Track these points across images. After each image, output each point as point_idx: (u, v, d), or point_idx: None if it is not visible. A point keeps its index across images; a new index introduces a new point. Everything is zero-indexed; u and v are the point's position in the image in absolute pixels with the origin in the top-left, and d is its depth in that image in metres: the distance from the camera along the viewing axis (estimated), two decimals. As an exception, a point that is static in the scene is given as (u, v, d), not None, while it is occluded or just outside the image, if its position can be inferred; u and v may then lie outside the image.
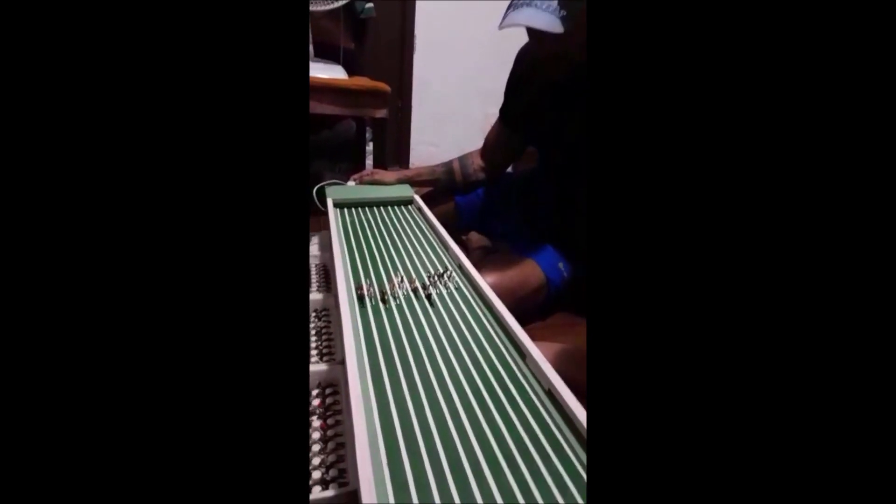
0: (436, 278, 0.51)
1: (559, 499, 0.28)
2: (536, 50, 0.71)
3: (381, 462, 0.29)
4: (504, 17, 0.66)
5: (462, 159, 0.96)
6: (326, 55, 1.27)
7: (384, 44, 1.61)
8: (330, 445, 0.43)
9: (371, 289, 0.49)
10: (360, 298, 0.47)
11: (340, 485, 0.38)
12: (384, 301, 0.47)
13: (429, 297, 0.48)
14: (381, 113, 1.13)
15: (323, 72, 1.12)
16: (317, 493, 0.37)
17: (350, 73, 1.22)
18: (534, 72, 0.81)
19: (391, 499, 0.27)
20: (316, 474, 0.39)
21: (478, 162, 0.96)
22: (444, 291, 0.50)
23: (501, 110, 0.94)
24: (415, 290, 0.49)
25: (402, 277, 0.52)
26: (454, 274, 0.53)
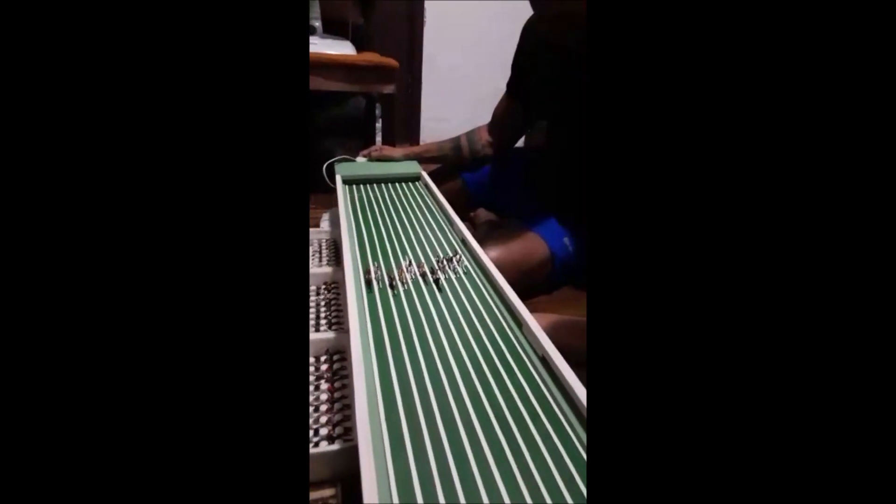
0: (444, 262, 0.51)
1: (546, 457, 0.29)
2: (540, 10, 0.68)
3: (379, 421, 0.31)
4: None
5: (470, 135, 0.96)
6: (335, 31, 1.25)
7: (393, 19, 1.58)
8: (337, 406, 0.46)
9: (379, 272, 0.49)
10: (368, 283, 0.47)
11: (345, 441, 0.40)
12: (392, 287, 0.47)
13: (437, 281, 0.48)
14: (390, 89, 1.12)
15: (331, 48, 1.11)
16: (324, 447, 0.39)
17: (359, 48, 1.21)
18: (539, 37, 0.79)
19: (388, 455, 0.28)
20: (324, 431, 0.42)
21: (485, 137, 0.95)
22: (453, 276, 0.49)
23: (508, 84, 0.93)
24: (423, 275, 0.49)
25: (409, 261, 0.52)
26: (463, 258, 0.52)
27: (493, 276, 0.48)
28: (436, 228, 0.62)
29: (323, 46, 1.11)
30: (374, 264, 0.51)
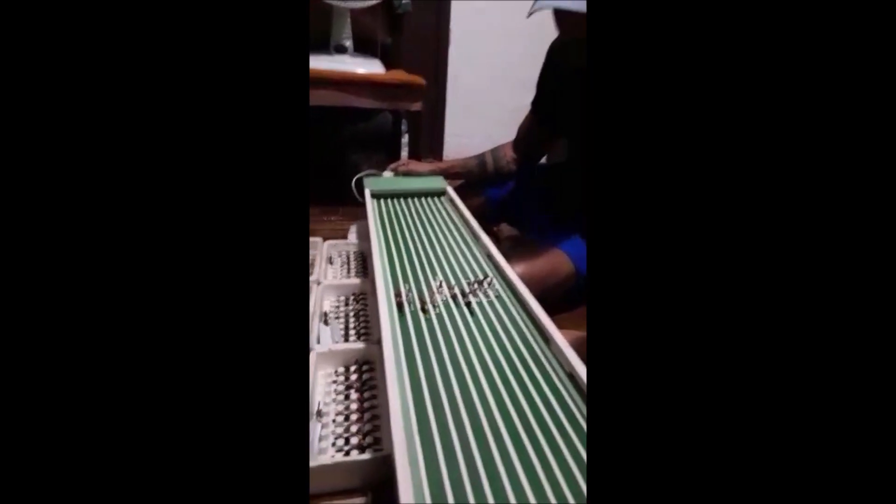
0: (476, 286, 0.50)
1: (570, 461, 0.29)
2: (562, 33, 0.71)
3: (411, 430, 0.31)
4: (533, 4, 0.67)
5: (494, 151, 0.97)
6: (365, 50, 1.29)
7: (420, 38, 1.62)
8: (367, 416, 0.47)
9: (410, 294, 0.48)
10: (399, 306, 0.46)
11: (375, 450, 0.41)
12: (424, 311, 0.46)
13: (468, 304, 0.47)
14: (417, 106, 1.15)
15: (361, 66, 1.15)
16: (355, 455, 0.40)
17: (387, 66, 1.25)
18: (560, 58, 0.80)
19: (420, 461, 0.29)
20: (354, 440, 0.43)
21: (510, 154, 0.96)
22: (484, 299, 0.48)
23: (533, 102, 0.94)
24: (454, 297, 0.48)
25: (440, 282, 0.51)
26: (494, 281, 0.52)
27: (522, 295, 0.47)
28: (463, 246, 0.62)
29: (353, 65, 1.15)
30: (405, 286, 0.50)
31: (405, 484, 0.26)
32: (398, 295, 0.48)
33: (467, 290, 0.49)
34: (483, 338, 0.42)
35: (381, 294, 0.47)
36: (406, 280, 0.52)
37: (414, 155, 1.27)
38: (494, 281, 0.51)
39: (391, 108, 1.18)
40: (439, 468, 0.29)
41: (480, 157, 0.98)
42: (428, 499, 0.27)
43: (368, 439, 0.42)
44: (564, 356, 0.37)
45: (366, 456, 0.40)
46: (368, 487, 0.39)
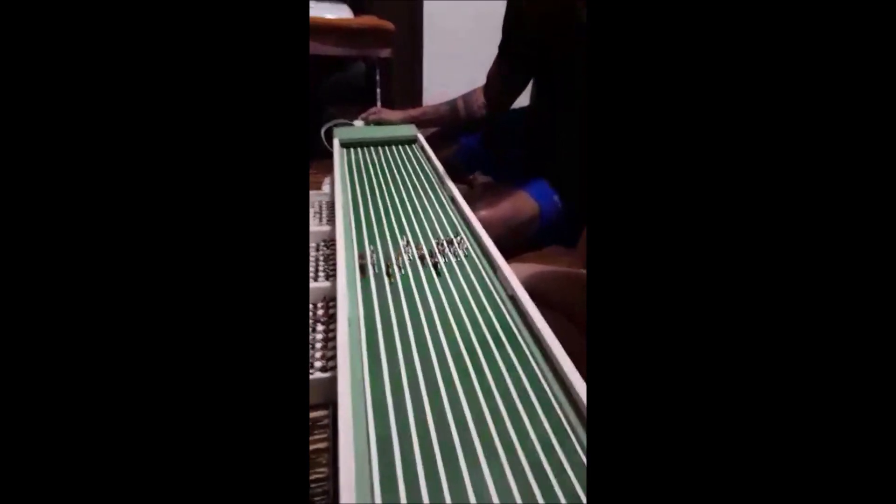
0: (445, 245, 0.47)
1: (532, 434, 0.27)
2: None
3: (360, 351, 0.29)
4: None
5: (466, 97, 0.95)
6: (333, -5, 1.24)
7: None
8: (330, 345, 0.50)
9: (374, 256, 0.45)
10: (363, 268, 0.43)
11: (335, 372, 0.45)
12: (389, 275, 0.43)
13: (435, 265, 0.44)
14: (386, 52, 1.11)
15: (328, 12, 1.11)
16: (318, 375, 0.44)
17: (357, 13, 1.20)
18: (531, 2, 0.78)
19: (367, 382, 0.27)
20: (318, 364, 0.47)
21: (481, 99, 0.94)
22: (454, 260, 0.45)
23: (500, 46, 0.90)
24: (421, 258, 0.45)
25: (407, 241, 0.48)
26: (465, 240, 0.48)
27: (492, 255, 0.44)
28: (434, 200, 0.59)
29: (320, 10, 1.11)
30: (370, 247, 0.47)
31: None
32: (362, 256, 0.45)
33: (436, 249, 0.46)
34: (450, 301, 0.39)
35: (341, 257, 0.43)
36: (372, 240, 0.49)
37: (389, 104, 1.25)
38: (465, 240, 0.48)
39: (359, 54, 1.14)
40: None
41: (452, 103, 0.96)
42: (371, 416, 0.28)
43: (331, 363, 0.46)
44: (532, 320, 0.35)
45: (326, 375, 0.44)
46: (329, 402, 0.44)
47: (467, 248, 0.47)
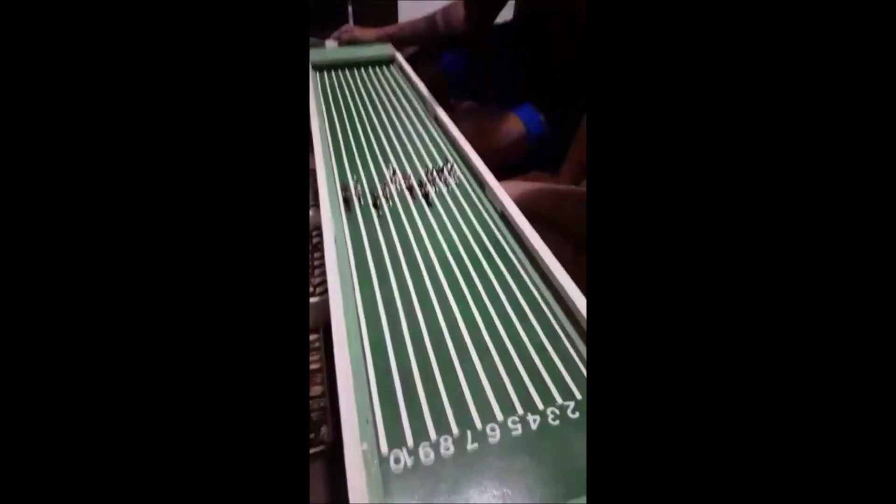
0: (434, 174, 0.43)
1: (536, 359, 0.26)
2: None
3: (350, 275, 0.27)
4: None
5: (445, 11, 0.87)
6: None
7: None
8: (318, 272, 0.50)
9: (359, 187, 0.41)
10: (347, 201, 0.39)
11: (321, 295, 0.45)
12: (376, 206, 0.39)
13: (426, 196, 0.41)
14: (358, -38, 1.01)
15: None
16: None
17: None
18: None
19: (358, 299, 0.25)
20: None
21: (461, 13, 0.87)
22: (444, 189, 0.41)
23: None
24: (410, 189, 0.41)
25: (394, 170, 0.44)
26: (455, 167, 0.44)
27: (485, 179, 0.40)
28: (418, 125, 0.54)
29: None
30: (353, 177, 0.43)
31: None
32: (345, 189, 0.40)
33: (425, 179, 0.42)
34: (440, 226, 0.36)
35: (323, 189, 0.40)
36: (355, 170, 0.45)
37: (362, 23, 1.15)
38: (455, 166, 0.44)
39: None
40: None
41: (430, 19, 0.87)
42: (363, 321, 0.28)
43: (319, 289, 0.46)
44: (532, 246, 0.32)
45: (315, 299, 0.43)
46: (320, 326, 0.44)
47: (458, 177, 0.43)
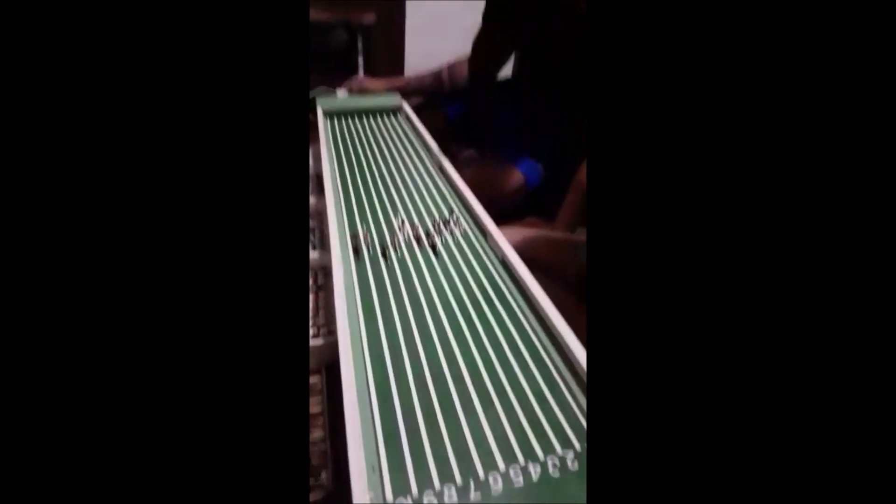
0: (441, 225, 0.44)
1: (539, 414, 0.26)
2: None
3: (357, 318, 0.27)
4: None
5: (451, 67, 0.93)
6: (311, -44, 1.18)
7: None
8: (321, 313, 0.51)
9: (368, 236, 0.42)
10: (356, 250, 0.40)
11: (326, 337, 0.46)
12: (385, 256, 0.40)
13: (433, 247, 0.42)
14: (369, 18, 1.07)
15: (308, -26, 1.06)
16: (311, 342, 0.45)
17: (337, -25, 1.15)
18: None
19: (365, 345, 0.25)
20: (311, 331, 0.47)
21: (465, 69, 0.93)
22: (451, 239, 0.43)
23: (484, 14, 0.87)
24: (417, 239, 0.43)
25: (402, 220, 0.45)
26: (461, 218, 0.45)
27: (490, 232, 0.41)
28: (424, 173, 0.56)
29: (298, -28, 1.06)
30: (362, 226, 0.44)
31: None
32: (355, 237, 0.42)
33: (432, 229, 0.43)
34: (450, 284, 0.37)
35: (334, 236, 0.41)
36: (364, 218, 0.46)
37: (369, 73, 1.21)
38: (460, 217, 0.46)
39: (342, 20, 1.11)
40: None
41: (437, 73, 0.93)
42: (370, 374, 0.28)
43: (323, 330, 0.47)
44: (540, 306, 0.33)
45: (319, 341, 0.44)
46: (322, 367, 0.44)
47: (463, 227, 0.45)
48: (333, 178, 0.55)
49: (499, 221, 0.44)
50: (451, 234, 0.44)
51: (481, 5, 0.88)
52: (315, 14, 1.01)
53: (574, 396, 0.28)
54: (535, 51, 0.85)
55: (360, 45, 1.18)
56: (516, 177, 0.77)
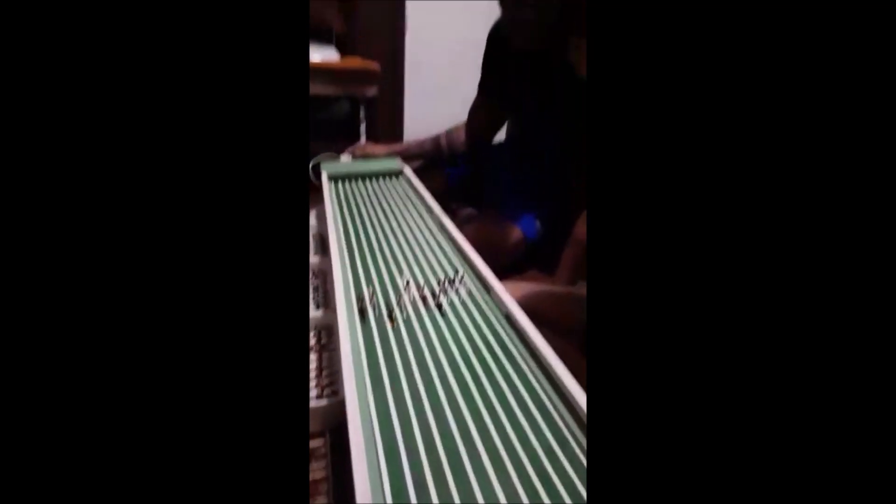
0: (446, 284, 0.44)
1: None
2: (515, 17, 0.70)
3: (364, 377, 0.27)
4: None
5: (449, 133, 0.99)
6: (319, 37, 1.30)
7: (376, 26, 1.63)
8: (325, 372, 0.50)
9: (374, 298, 0.42)
10: (362, 312, 0.40)
11: (330, 398, 0.45)
12: (391, 319, 0.40)
13: (440, 307, 0.42)
14: (372, 91, 1.16)
15: (316, 54, 1.16)
16: (314, 402, 0.44)
17: (343, 54, 1.25)
18: (507, 42, 0.85)
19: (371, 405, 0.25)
20: (313, 392, 0.46)
21: (463, 136, 1.00)
22: (456, 299, 0.43)
23: (480, 84, 0.93)
24: (423, 299, 0.43)
25: (408, 281, 0.45)
26: (465, 277, 0.46)
27: (495, 291, 0.42)
28: (427, 233, 0.58)
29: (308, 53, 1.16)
30: (368, 288, 0.44)
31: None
32: (360, 300, 0.41)
33: (437, 290, 0.43)
34: (457, 343, 0.36)
35: (340, 297, 0.40)
36: (369, 280, 0.46)
37: (373, 139, 1.29)
38: (465, 276, 0.46)
39: (347, 94, 1.19)
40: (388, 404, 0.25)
41: (436, 139, 0.99)
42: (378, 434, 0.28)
43: (326, 391, 0.46)
44: (546, 361, 0.33)
45: (323, 402, 0.43)
46: (326, 430, 0.43)
47: (468, 285, 0.45)
48: (338, 239, 0.56)
49: (501, 276, 0.44)
50: (457, 293, 0.44)
51: (476, 76, 0.96)
52: (322, 89, 1.09)
53: (584, 451, 0.27)
54: (527, 116, 0.91)
55: (362, 115, 1.26)
56: (515, 233, 0.80)
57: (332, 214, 0.64)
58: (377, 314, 0.40)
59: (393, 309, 0.40)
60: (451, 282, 0.44)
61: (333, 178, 0.81)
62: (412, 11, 1.64)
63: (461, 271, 0.46)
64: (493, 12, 0.81)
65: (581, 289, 0.69)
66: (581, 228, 0.72)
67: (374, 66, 1.11)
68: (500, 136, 1.05)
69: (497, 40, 0.88)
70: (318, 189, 0.80)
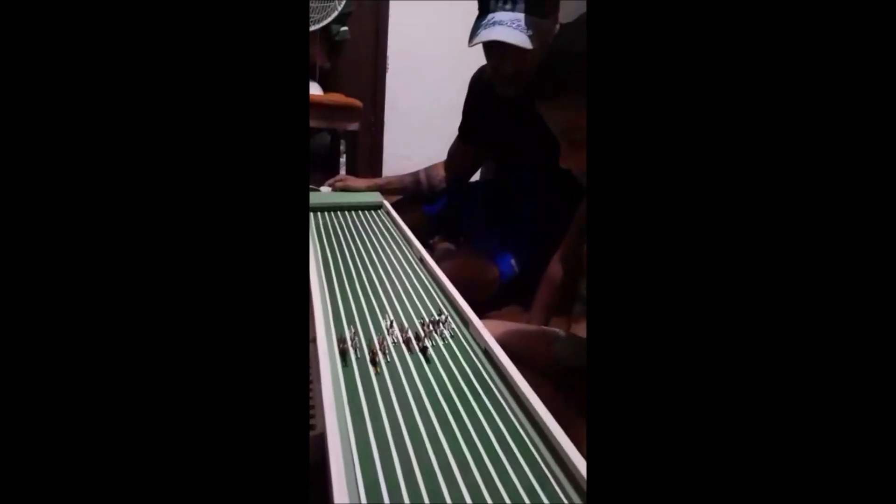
0: (430, 327, 0.43)
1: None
2: (499, 66, 0.73)
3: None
4: (474, 36, 0.67)
5: (428, 170, 1.02)
6: (303, 72, 1.33)
7: (358, 64, 1.69)
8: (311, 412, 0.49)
9: (356, 340, 0.40)
10: (343, 353, 0.38)
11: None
12: (374, 363, 0.38)
13: (424, 350, 0.40)
14: (354, 126, 1.19)
15: (299, 88, 1.19)
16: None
17: (325, 89, 1.28)
18: (489, 90, 0.90)
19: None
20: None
21: (442, 173, 1.02)
22: (441, 342, 0.42)
23: (460, 128, 0.96)
24: (407, 342, 0.41)
25: (391, 322, 0.43)
26: (450, 320, 0.44)
27: (480, 333, 0.41)
28: (409, 270, 0.57)
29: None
30: (349, 329, 0.42)
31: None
32: (342, 341, 0.39)
33: (422, 332, 0.41)
34: (439, 384, 0.35)
35: (322, 337, 0.38)
36: (351, 319, 0.44)
37: (352, 173, 1.31)
38: (450, 319, 0.44)
39: (329, 127, 1.22)
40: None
41: (415, 175, 1.02)
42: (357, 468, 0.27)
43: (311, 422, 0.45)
44: (525, 396, 0.33)
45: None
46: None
47: (452, 327, 0.44)
48: (318, 270, 0.54)
49: (479, 311, 0.44)
50: (441, 335, 0.42)
51: (452, 117, 1.00)
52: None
53: (563, 489, 0.28)
54: (506, 159, 0.96)
55: (342, 148, 1.28)
56: (492, 270, 0.81)
57: (312, 246, 0.64)
58: (359, 356, 0.38)
59: (376, 353, 0.38)
60: (436, 323, 0.43)
61: (314, 210, 0.81)
62: (393, 53, 1.72)
63: (445, 314, 0.45)
64: (470, 58, 0.86)
65: (554, 327, 0.71)
66: (554, 268, 0.75)
67: (356, 103, 1.15)
68: (478, 173, 1.09)
69: (479, 86, 0.93)
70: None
